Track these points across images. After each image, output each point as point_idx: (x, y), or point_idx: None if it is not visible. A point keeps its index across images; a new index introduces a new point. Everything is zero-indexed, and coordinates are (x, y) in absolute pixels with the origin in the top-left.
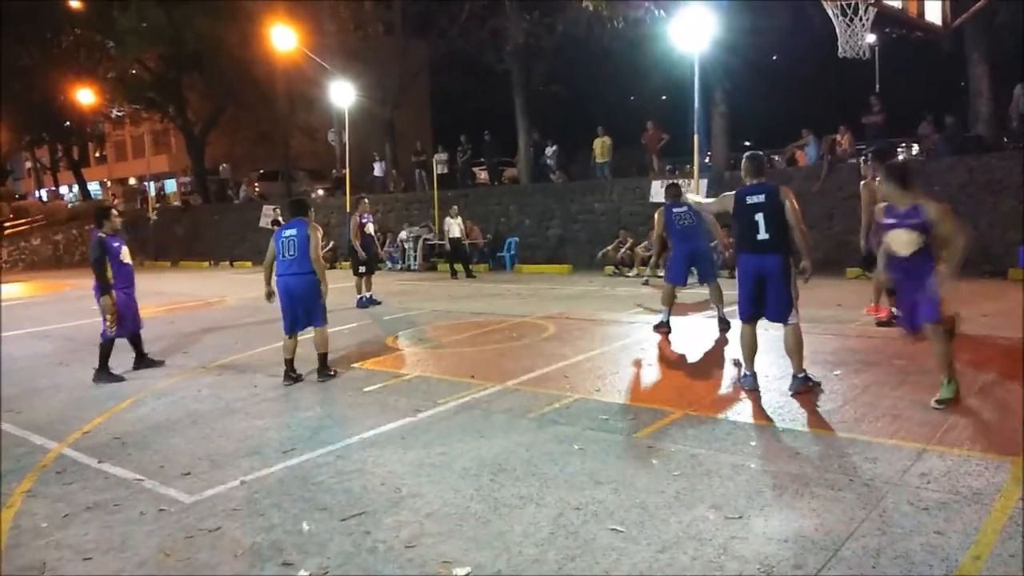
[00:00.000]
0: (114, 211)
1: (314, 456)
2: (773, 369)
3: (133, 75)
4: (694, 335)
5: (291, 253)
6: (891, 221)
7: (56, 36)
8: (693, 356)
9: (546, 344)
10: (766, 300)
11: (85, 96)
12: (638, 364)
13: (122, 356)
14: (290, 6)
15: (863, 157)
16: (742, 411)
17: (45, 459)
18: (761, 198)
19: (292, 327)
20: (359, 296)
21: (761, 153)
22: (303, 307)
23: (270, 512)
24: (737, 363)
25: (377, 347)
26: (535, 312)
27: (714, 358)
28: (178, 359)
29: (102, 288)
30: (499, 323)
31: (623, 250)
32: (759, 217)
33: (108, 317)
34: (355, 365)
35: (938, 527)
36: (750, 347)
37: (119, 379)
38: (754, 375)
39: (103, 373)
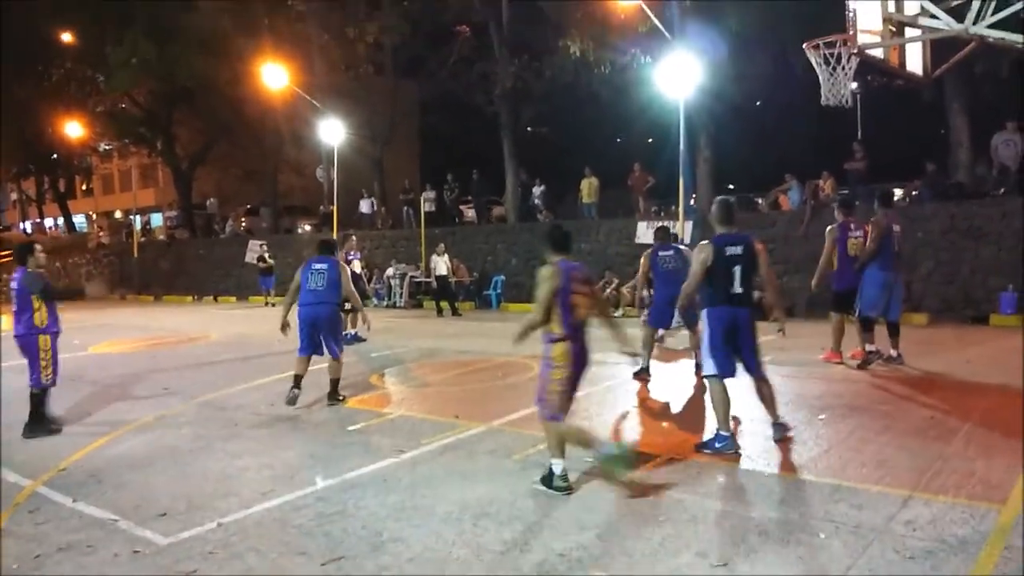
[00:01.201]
0: (38, 246)
1: (293, 498)
2: (758, 413)
3: (122, 109)
4: (678, 379)
5: (320, 285)
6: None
7: (47, 69)
8: (678, 399)
9: (532, 384)
10: (742, 354)
11: (74, 129)
12: (624, 406)
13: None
14: (281, 45)
15: (835, 203)
16: (727, 456)
17: (18, 497)
18: (739, 250)
19: (308, 351)
20: (345, 333)
21: (732, 199)
22: (323, 335)
23: (247, 555)
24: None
25: (361, 385)
26: (521, 351)
27: (699, 402)
28: (159, 396)
29: (39, 328)
30: (485, 362)
31: (609, 290)
32: (736, 270)
33: (45, 362)
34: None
35: None
36: (727, 404)
37: (57, 430)
38: (733, 436)
39: (37, 426)
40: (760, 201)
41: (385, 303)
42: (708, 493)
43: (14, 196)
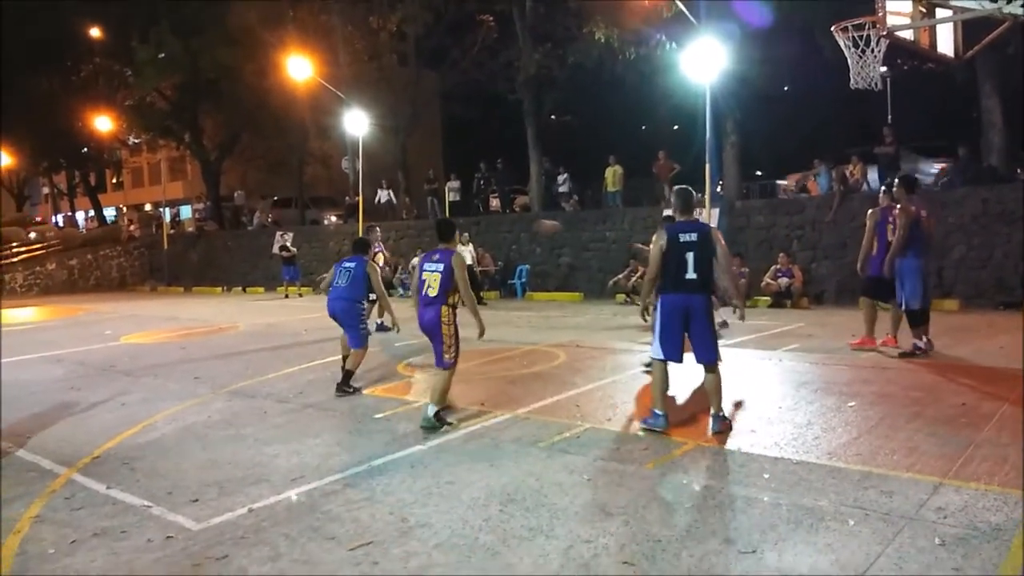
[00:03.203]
0: None
1: (323, 484)
2: (787, 401)
3: (150, 103)
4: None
5: (344, 282)
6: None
7: (76, 65)
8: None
9: (557, 372)
10: (692, 340)
11: (103, 124)
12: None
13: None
14: (306, 37)
15: (883, 187)
16: (755, 443)
17: (54, 484)
18: (694, 237)
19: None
20: (377, 321)
21: (691, 189)
22: (344, 327)
23: (277, 541)
24: (738, 404)
25: (387, 374)
26: (546, 340)
27: (727, 389)
28: (189, 384)
29: None
30: (510, 351)
31: (634, 279)
32: (690, 256)
33: None
34: (365, 392)
35: (956, 564)
36: (665, 386)
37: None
38: (666, 415)
39: None
40: (783, 183)
41: (410, 293)
42: (735, 480)
43: (46, 190)
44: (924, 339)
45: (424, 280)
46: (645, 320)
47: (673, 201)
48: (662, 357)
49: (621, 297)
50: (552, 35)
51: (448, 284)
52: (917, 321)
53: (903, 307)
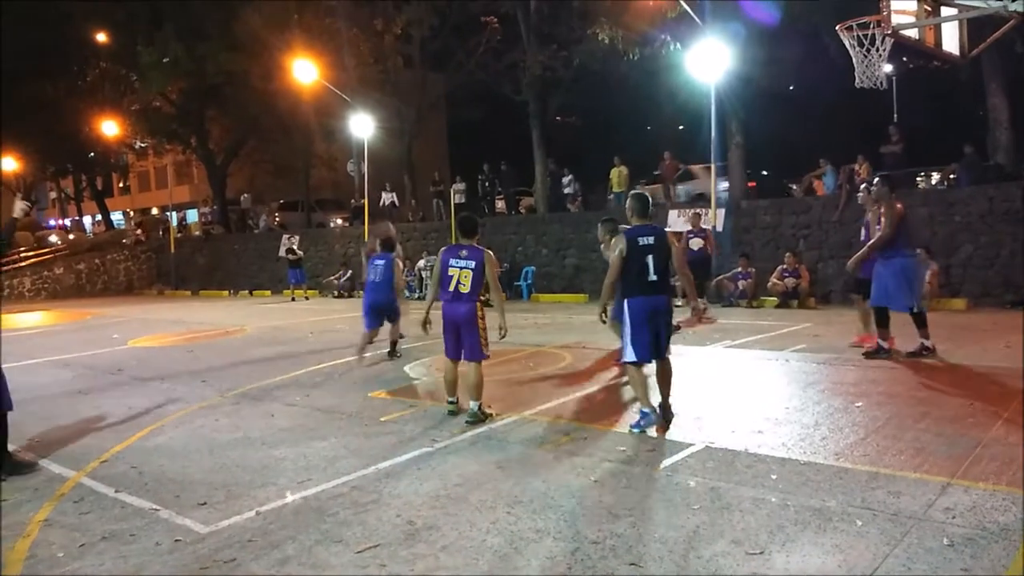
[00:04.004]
0: None
1: (330, 487)
2: (794, 401)
3: (156, 108)
4: (713, 367)
5: (376, 277)
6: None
7: (82, 69)
8: (712, 387)
9: (563, 374)
10: (659, 338)
11: (109, 128)
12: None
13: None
14: (311, 40)
15: (863, 186)
16: (762, 444)
17: (63, 488)
18: (651, 240)
19: (371, 326)
20: None
21: (647, 194)
22: (386, 313)
23: (285, 544)
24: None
25: (393, 376)
26: (552, 341)
27: (733, 389)
28: (196, 388)
29: None
30: (516, 352)
31: None
32: (649, 259)
33: None
34: (371, 394)
35: (965, 564)
36: (645, 384)
37: (31, 466)
38: (654, 410)
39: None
40: (795, 187)
41: (416, 295)
42: (742, 481)
43: (53, 195)
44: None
45: (451, 276)
46: (603, 321)
47: (631, 205)
48: (635, 360)
49: None
50: (557, 36)
51: (480, 281)
52: (923, 323)
53: (913, 310)
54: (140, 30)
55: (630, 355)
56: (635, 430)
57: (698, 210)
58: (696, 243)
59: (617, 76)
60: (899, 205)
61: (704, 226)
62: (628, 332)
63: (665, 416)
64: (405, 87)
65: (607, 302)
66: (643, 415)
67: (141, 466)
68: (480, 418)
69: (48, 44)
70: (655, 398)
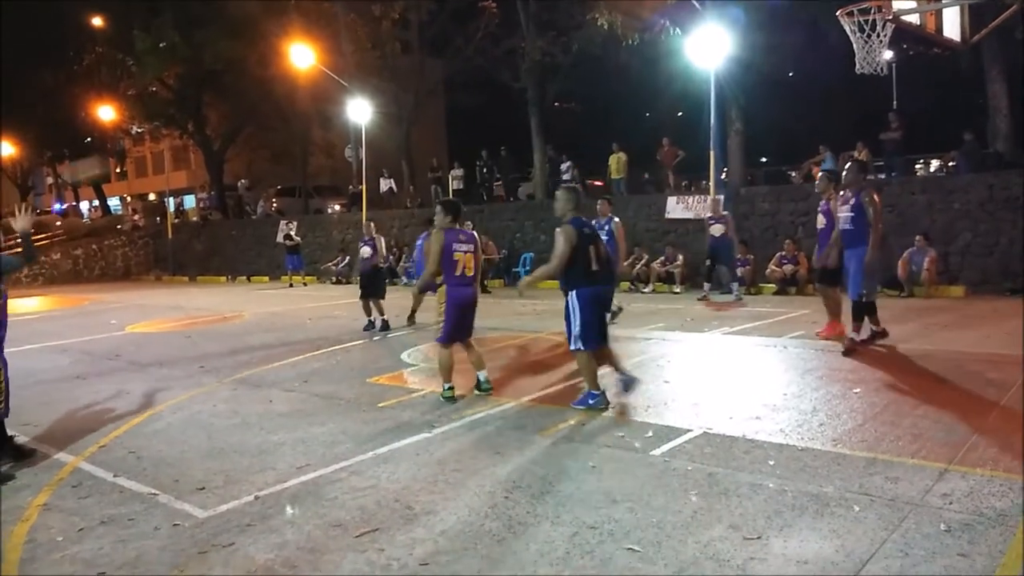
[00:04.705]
0: None
1: (328, 472)
2: (792, 387)
3: (153, 93)
4: (710, 353)
5: (416, 255)
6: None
7: (78, 54)
8: (710, 374)
9: (561, 360)
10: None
11: (106, 113)
12: (654, 381)
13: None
14: (309, 26)
15: (821, 172)
16: (760, 429)
17: (61, 472)
18: (590, 230)
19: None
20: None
21: (578, 187)
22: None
23: (283, 528)
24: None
25: (391, 362)
26: (550, 328)
27: (731, 376)
28: (194, 373)
29: None
30: (514, 339)
31: (639, 266)
32: (591, 249)
33: None
34: (369, 380)
35: (962, 549)
36: (594, 367)
37: (31, 453)
38: (603, 393)
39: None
40: (793, 173)
41: (414, 281)
42: (740, 467)
43: (50, 180)
44: (874, 328)
45: (457, 260)
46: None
47: (563, 197)
48: (585, 348)
49: (626, 285)
50: (556, 22)
51: (479, 263)
52: (863, 313)
53: (863, 299)
54: (137, 14)
55: (578, 344)
56: (579, 407)
57: (717, 196)
58: (717, 229)
59: (616, 62)
60: (876, 195)
61: (724, 212)
62: (579, 322)
63: (631, 378)
64: (403, 73)
65: (536, 282)
66: (591, 396)
67: (139, 451)
68: (490, 387)
69: (44, 29)
70: (605, 381)
